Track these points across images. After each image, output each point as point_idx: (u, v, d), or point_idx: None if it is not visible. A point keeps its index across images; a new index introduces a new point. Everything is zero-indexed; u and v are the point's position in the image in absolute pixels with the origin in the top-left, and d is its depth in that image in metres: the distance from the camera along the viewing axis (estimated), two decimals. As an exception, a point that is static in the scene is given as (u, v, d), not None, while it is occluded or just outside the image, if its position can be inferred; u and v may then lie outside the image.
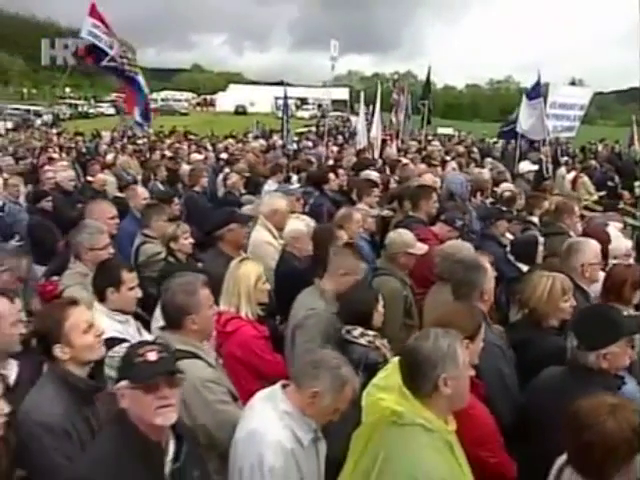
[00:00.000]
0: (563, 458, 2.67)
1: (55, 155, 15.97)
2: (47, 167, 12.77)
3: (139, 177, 12.57)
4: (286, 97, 20.01)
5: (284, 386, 3.13)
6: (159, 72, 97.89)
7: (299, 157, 15.83)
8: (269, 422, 2.99)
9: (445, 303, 4.49)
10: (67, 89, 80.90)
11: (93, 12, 11.90)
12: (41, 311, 3.48)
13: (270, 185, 10.48)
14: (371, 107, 19.23)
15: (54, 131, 32.48)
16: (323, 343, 4.04)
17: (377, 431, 2.77)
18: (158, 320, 4.27)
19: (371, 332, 4.05)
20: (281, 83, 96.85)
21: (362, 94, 18.92)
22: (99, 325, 3.35)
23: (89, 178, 11.93)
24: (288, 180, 11.40)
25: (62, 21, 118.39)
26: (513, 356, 4.03)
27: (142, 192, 7.97)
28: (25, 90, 79.98)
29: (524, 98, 15.06)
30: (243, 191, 10.37)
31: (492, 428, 3.33)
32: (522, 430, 3.59)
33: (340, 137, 28.66)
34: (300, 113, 62.32)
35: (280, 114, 52.06)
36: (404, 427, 2.63)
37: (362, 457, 2.74)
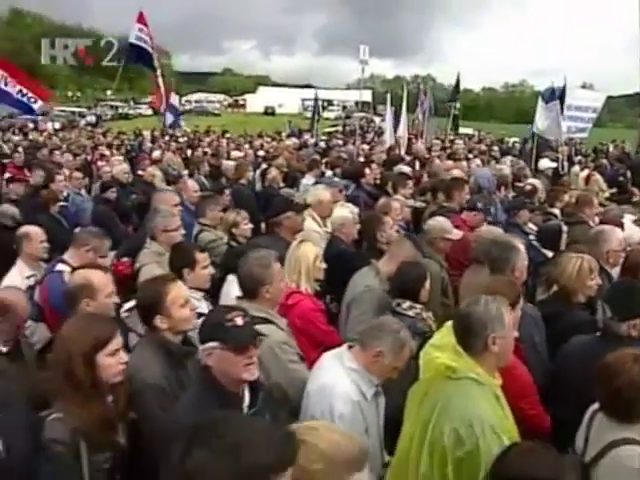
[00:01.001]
0: (594, 407, 2.94)
1: (107, 152, 16.39)
2: (100, 163, 13.24)
3: (184, 172, 12.95)
4: (316, 99, 20.30)
5: (350, 347, 3.41)
6: (193, 75, 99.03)
7: (330, 154, 16.08)
8: (338, 377, 3.27)
9: (480, 283, 4.74)
10: (108, 92, 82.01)
11: (140, 19, 12.34)
12: (145, 285, 3.74)
13: (308, 179, 10.76)
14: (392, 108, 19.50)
15: (99, 130, 33.03)
16: (375, 316, 4.30)
17: (433, 386, 3.02)
18: (227, 296, 4.58)
19: (418, 305, 4.31)
20: (307, 86, 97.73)
21: (388, 96, 19.16)
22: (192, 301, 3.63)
23: (139, 172, 12.32)
24: (322, 175, 11.68)
25: (105, 31, 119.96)
26: (544, 327, 4.28)
27: (192, 185, 8.28)
28: (70, 93, 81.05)
29: (539, 101, 15.22)
30: (281, 185, 10.68)
31: (531, 384, 3.60)
32: (551, 393, 3.85)
33: (368, 136, 28.86)
34: (326, 114, 62.50)
35: (308, 115, 52.20)
36: (458, 380, 2.89)
37: (421, 408, 2.99)
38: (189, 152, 18.74)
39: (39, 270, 5.51)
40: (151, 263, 4.91)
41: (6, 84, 16.58)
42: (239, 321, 2.85)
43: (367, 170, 9.37)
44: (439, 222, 5.72)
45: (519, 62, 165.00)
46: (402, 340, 3.31)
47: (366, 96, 70.65)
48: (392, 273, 4.71)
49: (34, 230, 5.72)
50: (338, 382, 3.24)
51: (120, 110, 66.35)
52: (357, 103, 66.57)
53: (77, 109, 60.99)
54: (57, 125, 43.25)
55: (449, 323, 3.14)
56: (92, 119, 54.86)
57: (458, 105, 21.11)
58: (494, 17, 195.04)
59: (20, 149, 15.68)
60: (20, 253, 5.66)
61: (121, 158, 13.00)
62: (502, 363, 3.02)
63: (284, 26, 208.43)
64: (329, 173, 12.05)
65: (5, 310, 3.84)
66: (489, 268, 4.62)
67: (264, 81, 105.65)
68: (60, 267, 4.83)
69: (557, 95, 14.67)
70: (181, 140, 21.27)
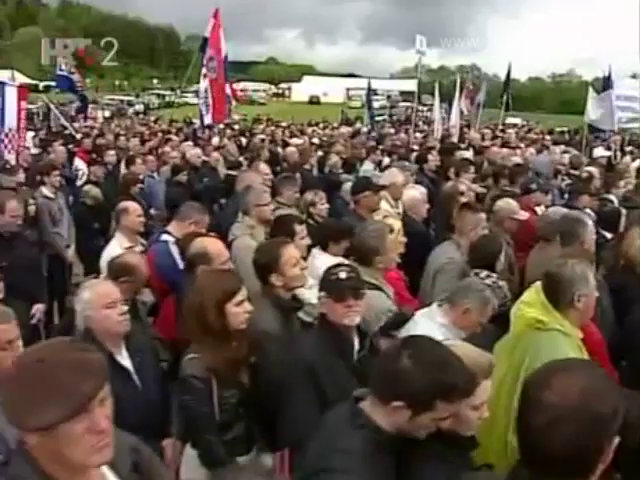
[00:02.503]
0: None
1: (175, 137, 17.14)
2: (167, 148, 13.88)
3: (241, 158, 13.54)
4: (369, 89, 20.63)
5: (439, 305, 3.86)
6: (236, 64, 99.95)
7: (384, 142, 16.48)
8: (430, 331, 3.70)
9: (547, 259, 5.16)
10: (154, 80, 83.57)
11: (216, 15, 12.94)
12: (262, 247, 4.21)
13: (367, 165, 11.25)
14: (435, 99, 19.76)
15: (151, 118, 33.99)
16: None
17: (521, 340, 3.46)
18: (311, 268, 5.07)
19: (494, 275, 4.74)
20: (350, 75, 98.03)
21: (437, 86, 19.48)
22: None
23: (204, 158, 12.93)
24: (380, 162, 12.11)
25: (150, 19, 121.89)
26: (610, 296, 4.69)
27: (264, 168, 8.74)
28: (117, 82, 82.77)
29: (590, 91, 15.36)
30: (340, 171, 11.15)
31: (602, 342, 4.00)
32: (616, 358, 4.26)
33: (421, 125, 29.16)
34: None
35: (353, 104, 52.35)
36: (547, 332, 3.33)
37: (512, 355, 3.43)
38: (242, 139, 19.44)
39: (136, 242, 6.08)
40: (244, 235, 5.43)
41: (71, 72, 17.35)
42: (342, 275, 3.37)
43: (430, 156, 9.78)
44: (507, 203, 6.13)
45: (566, 51, 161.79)
46: (486, 298, 3.76)
47: (411, 85, 70.83)
48: (466, 246, 5.16)
49: (132, 205, 6.24)
50: (430, 335, 3.70)
51: (167, 98, 67.34)
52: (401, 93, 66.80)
53: (125, 97, 62.27)
54: (107, 113, 44.53)
55: (537, 283, 3.58)
56: (140, 107, 56.19)
57: (506, 96, 21.27)
58: (540, 5, 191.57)
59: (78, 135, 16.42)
60: (119, 226, 6.21)
61: (191, 143, 13.62)
62: (583, 319, 3.45)
63: (328, 15, 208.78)
64: (386, 160, 12.50)
65: (129, 271, 4.39)
66: (560, 241, 5.03)
67: (308, 70, 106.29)
68: (165, 237, 5.38)
69: (610, 85, 14.83)
70: (236, 127, 21.93)
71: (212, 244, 4.42)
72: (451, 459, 2.30)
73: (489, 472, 2.27)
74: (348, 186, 8.61)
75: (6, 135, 10.69)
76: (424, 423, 2.25)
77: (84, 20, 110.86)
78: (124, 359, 3.67)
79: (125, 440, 2.08)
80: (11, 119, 10.72)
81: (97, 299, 3.62)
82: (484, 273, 4.71)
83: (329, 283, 3.36)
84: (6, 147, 10.69)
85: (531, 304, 3.46)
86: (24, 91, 11.68)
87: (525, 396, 1.70)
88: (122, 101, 58.60)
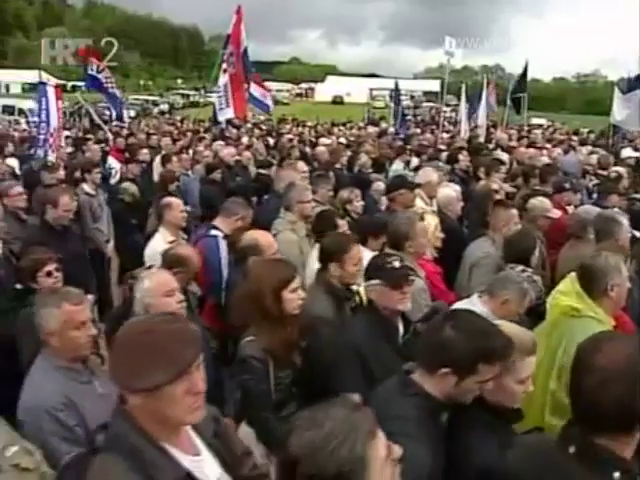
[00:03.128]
0: None
1: (207, 136, 17.49)
2: (200, 147, 14.20)
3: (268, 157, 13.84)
4: (397, 89, 20.76)
5: (480, 296, 4.09)
6: (260, 64, 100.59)
7: (411, 142, 16.66)
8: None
9: (578, 256, 5.36)
10: (179, 80, 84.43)
11: (239, 11, 13.24)
12: (334, 236, 4.54)
13: (397, 165, 11.46)
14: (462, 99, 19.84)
15: (177, 118, 34.42)
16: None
17: (557, 326, 3.69)
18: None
19: (529, 269, 4.94)
20: (372, 75, 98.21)
21: (463, 86, 19.59)
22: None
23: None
24: (408, 162, 12.31)
25: (174, 19, 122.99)
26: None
27: (302, 166, 8.99)
28: (142, 82, 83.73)
29: (616, 91, 15.38)
30: (370, 170, 11.37)
31: (634, 331, 4.20)
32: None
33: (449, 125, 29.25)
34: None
35: (376, 104, 52.35)
36: (581, 319, 3.56)
37: (549, 340, 3.66)
38: (269, 139, 19.76)
39: (178, 236, 6.34)
40: (286, 230, 5.69)
41: (99, 71, 17.68)
42: (396, 264, 3.62)
43: (460, 156, 9.98)
44: (541, 201, 6.33)
45: (591, 51, 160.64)
46: (524, 290, 3.98)
47: (435, 85, 70.76)
48: (501, 241, 5.39)
49: (175, 201, 6.52)
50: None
51: (191, 98, 67.86)
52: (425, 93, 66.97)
53: (150, 97, 62.90)
54: (132, 113, 45.04)
55: (572, 274, 3.80)
56: (165, 107, 56.64)
57: (523, 95, 21.26)
58: (565, 5, 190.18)
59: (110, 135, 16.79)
60: (163, 221, 6.47)
61: (223, 143, 13.91)
62: (617, 308, 3.67)
63: (350, 15, 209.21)
64: (414, 160, 12.69)
65: (182, 262, 4.66)
66: (595, 239, 5.23)
67: (330, 70, 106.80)
68: (213, 232, 5.66)
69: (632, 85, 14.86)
70: (264, 127, 22.25)
71: (263, 237, 4.71)
72: (497, 429, 2.53)
73: (541, 433, 2.50)
74: (377, 185, 8.88)
75: (51, 134, 11.07)
76: (470, 387, 2.50)
77: (109, 20, 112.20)
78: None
79: (208, 409, 2.32)
80: (54, 119, 11.10)
81: (157, 287, 3.89)
82: (519, 268, 4.91)
83: (384, 272, 3.60)
84: (50, 146, 11.07)
85: (566, 293, 3.69)
86: (59, 91, 12.05)
87: (578, 360, 1.94)
88: (147, 101, 59.12)
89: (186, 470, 2.07)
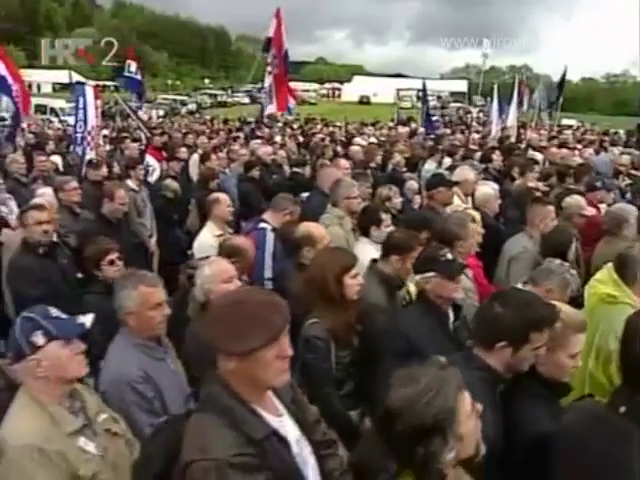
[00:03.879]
0: None
1: (240, 134, 17.84)
2: (235, 145, 14.52)
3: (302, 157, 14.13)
4: (424, 89, 20.90)
5: (524, 285, 4.31)
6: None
7: (442, 142, 16.85)
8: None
9: (613, 252, 5.57)
10: (206, 80, 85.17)
11: (278, 15, 13.54)
12: (401, 233, 4.80)
13: (430, 164, 11.69)
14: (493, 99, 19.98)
15: (208, 117, 34.91)
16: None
17: (595, 312, 3.95)
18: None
19: (566, 263, 5.15)
20: (398, 75, 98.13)
21: (495, 87, 19.72)
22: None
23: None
24: (440, 162, 12.52)
25: (201, 19, 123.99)
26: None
27: (344, 163, 9.21)
28: (169, 82, 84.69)
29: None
30: (403, 169, 11.60)
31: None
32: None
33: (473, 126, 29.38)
34: (420, 104, 62.72)
35: (403, 104, 52.36)
36: (617, 305, 3.83)
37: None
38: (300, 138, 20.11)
39: (225, 230, 6.64)
40: (334, 225, 5.96)
41: (136, 72, 18.11)
42: (449, 256, 3.88)
43: (494, 156, 10.20)
44: (576, 200, 6.54)
45: (621, 52, 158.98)
46: (567, 280, 4.20)
47: (461, 86, 70.75)
48: (538, 236, 5.61)
49: (223, 196, 6.82)
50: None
51: (218, 98, 68.49)
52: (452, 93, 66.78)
53: (178, 97, 63.66)
54: (161, 112, 45.69)
55: (609, 264, 4.06)
56: (193, 107, 57.22)
57: (560, 99, 21.38)
58: (594, 5, 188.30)
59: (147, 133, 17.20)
60: (211, 215, 6.76)
61: (259, 141, 14.23)
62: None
63: (377, 15, 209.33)
64: (447, 160, 12.90)
65: (239, 252, 4.95)
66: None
67: (357, 70, 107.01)
68: (262, 225, 5.95)
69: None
70: (295, 127, 22.60)
71: (316, 228, 4.99)
72: (548, 399, 2.79)
73: (591, 398, 2.74)
74: (411, 184, 9.12)
75: (89, 133, 11.46)
76: (525, 355, 2.78)
77: (137, 20, 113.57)
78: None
79: None
80: (92, 117, 11.48)
81: (217, 274, 4.18)
82: (557, 261, 5.14)
83: (439, 264, 3.89)
84: (89, 144, 11.46)
85: (603, 281, 3.96)
86: (97, 91, 12.44)
87: (628, 328, 2.18)
88: (175, 100, 59.83)
89: (273, 428, 2.34)
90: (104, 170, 9.97)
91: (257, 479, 2.18)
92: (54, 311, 2.81)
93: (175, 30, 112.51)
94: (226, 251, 4.92)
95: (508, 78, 33.32)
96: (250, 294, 2.40)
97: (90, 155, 11.28)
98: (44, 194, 7.47)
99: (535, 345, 2.75)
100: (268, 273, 5.63)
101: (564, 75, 22.45)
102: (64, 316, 2.83)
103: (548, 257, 5.17)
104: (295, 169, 12.27)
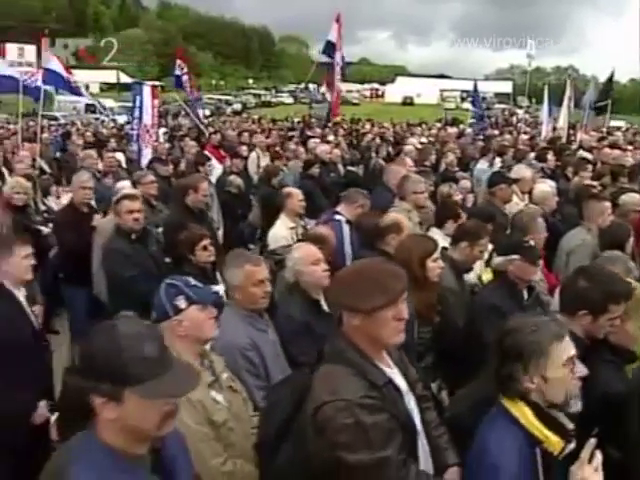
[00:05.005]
0: None
1: (295, 133, 18.39)
2: (291, 145, 15.04)
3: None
4: (476, 90, 21.09)
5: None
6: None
7: (491, 143, 17.11)
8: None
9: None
10: (250, 80, 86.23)
11: (338, 20, 13.96)
12: (475, 222, 5.32)
13: (481, 164, 12.04)
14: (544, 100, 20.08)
15: (255, 117, 35.60)
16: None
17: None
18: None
19: (626, 255, 5.50)
20: (441, 76, 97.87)
21: (546, 88, 19.88)
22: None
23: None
24: (491, 162, 12.84)
25: (245, 20, 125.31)
26: None
27: (408, 161, 9.59)
28: (214, 81, 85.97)
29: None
30: (456, 168, 11.96)
31: None
32: None
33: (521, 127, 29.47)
34: (465, 105, 62.60)
35: (447, 105, 52.25)
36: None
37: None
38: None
39: (298, 223, 7.10)
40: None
41: (183, 74, 18.69)
42: (532, 242, 4.37)
43: (548, 156, 10.52)
44: (631, 197, 6.85)
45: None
46: (630, 267, 4.58)
47: (506, 87, 70.34)
48: (595, 230, 6.00)
49: (295, 191, 7.30)
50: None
51: (263, 98, 69.30)
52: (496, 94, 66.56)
53: (223, 97, 64.64)
54: (207, 112, 46.52)
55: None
56: (238, 106, 58.05)
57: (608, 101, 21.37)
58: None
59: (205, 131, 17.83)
60: (283, 209, 7.22)
61: (318, 140, 14.73)
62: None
63: (420, 16, 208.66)
64: (498, 160, 13.21)
65: (322, 240, 5.39)
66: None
67: (400, 71, 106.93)
68: (337, 217, 6.42)
69: None
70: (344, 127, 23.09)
71: (402, 218, 5.50)
72: (616, 364, 3.24)
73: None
74: (464, 183, 9.49)
75: (146, 131, 12.06)
76: (603, 324, 3.25)
77: (182, 21, 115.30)
78: (324, 305, 4.67)
79: None
80: (147, 116, 12.07)
81: (306, 257, 4.64)
82: (617, 252, 5.48)
83: (523, 249, 4.40)
84: (144, 141, 12.06)
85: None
86: (156, 90, 13.00)
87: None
88: (220, 100, 60.73)
89: (390, 377, 2.79)
90: (170, 166, 10.59)
91: (381, 418, 2.60)
92: (193, 280, 3.31)
93: (219, 31, 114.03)
94: (310, 239, 5.38)
95: (554, 79, 33.15)
96: (374, 263, 2.88)
97: (146, 152, 11.89)
98: (123, 187, 8.02)
99: (612, 316, 3.19)
100: (349, 262, 6.06)
101: (612, 76, 22.42)
102: (201, 285, 3.32)
103: (607, 250, 5.58)
104: (349, 168, 12.77)
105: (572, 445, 2.48)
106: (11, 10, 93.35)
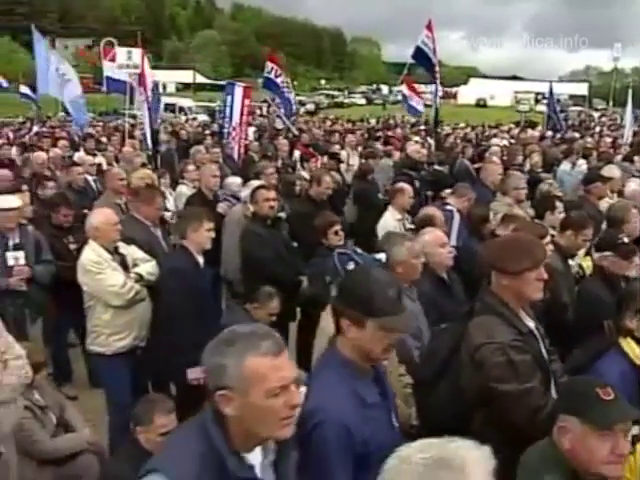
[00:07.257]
0: None
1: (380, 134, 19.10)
2: (377, 144, 15.76)
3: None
4: (551, 93, 21.18)
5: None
6: (400, 66, 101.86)
7: (572, 145, 17.41)
8: None
9: None
10: (322, 81, 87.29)
11: (429, 26, 14.51)
12: (579, 213, 5.91)
13: (565, 165, 12.50)
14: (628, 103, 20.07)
15: (331, 116, 36.49)
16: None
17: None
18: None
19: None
20: (514, 77, 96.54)
21: (630, 91, 19.90)
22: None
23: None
24: (574, 164, 13.25)
25: (317, 20, 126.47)
26: None
27: (496, 160, 10.23)
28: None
29: None
30: (539, 170, 12.42)
31: None
32: None
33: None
34: (539, 107, 61.89)
35: (521, 107, 51.79)
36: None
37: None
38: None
39: (404, 216, 7.79)
40: (504, 210, 7.02)
41: (276, 76, 19.49)
42: (626, 239, 5.04)
43: (635, 157, 10.96)
44: None
45: None
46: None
47: (581, 89, 69.02)
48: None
49: (407, 187, 7.88)
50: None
51: (335, 99, 70.14)
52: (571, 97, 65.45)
53: (297, 97, 65.72)
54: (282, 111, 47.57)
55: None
56: (311, 107, 58.98)
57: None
58: None
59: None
60: (393, 202, 7.86)
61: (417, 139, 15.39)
62: None
63: (493, 17, 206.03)
64: (581, 161, 13.60)
65: (430, 221, 5.94)
66: None
67: (472, 72, 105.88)
68: (449, 207, 7.11)
69: None
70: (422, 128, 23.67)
71: (436, 213, 6.16)
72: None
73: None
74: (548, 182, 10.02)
75: (234, 129, 12.93)
76: None
77: (255, 22, 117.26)
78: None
79: None
80: (237, 115, 12.92)
81: (434, 240, 5.30)
82: None
83: (618, 246, 4.94)
84: (233, 139, 12.94)
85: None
86: (249, 91, 13.75)
87: None
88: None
89: (530, 328, 3.48)
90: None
91: (527, 358, 3.29)
92: (359, 249, 4.10)
93: (292, 32, 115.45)
94: (419, 221, 6.10)
95: (633, 81, 32.59)
96: (521, 234, 3.61)
97: (236, 149, 12.78)
98: (234, 182, 8.66)
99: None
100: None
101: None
102: (366, 254, 4.11)
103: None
104: (436, 167, 13.38)
105: None
106: (95, 12, 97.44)
